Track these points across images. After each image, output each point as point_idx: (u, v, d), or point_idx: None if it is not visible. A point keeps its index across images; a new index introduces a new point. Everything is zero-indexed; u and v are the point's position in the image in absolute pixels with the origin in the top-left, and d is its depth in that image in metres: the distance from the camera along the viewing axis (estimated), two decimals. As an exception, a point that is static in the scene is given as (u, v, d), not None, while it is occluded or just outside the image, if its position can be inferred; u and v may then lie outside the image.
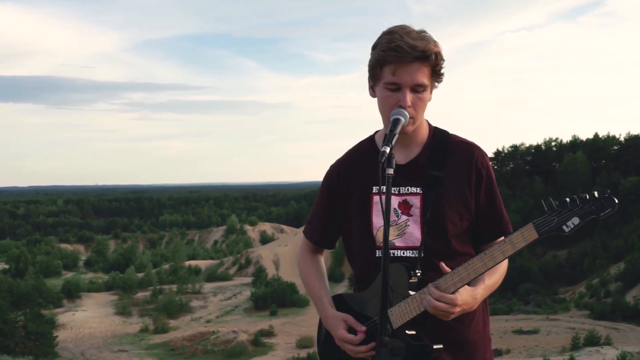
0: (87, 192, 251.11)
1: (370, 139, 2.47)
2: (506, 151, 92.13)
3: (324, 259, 2.71)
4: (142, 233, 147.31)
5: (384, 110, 2.29)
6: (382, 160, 2.07)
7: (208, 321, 65.96)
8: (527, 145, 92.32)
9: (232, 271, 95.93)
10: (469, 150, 2.36)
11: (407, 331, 2.24)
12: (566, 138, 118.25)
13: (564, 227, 1.97)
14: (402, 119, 2.18)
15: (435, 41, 2.26)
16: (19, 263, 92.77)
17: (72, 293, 79.94)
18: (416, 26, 2.25)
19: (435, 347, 2.23)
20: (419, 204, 2.31)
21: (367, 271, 2.38)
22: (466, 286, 2.17)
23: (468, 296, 2.17)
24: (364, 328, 2.33)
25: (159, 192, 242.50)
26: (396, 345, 2.18)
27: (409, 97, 2.22)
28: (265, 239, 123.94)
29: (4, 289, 55.89)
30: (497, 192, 2.38)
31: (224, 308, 72.43)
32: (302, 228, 2.96)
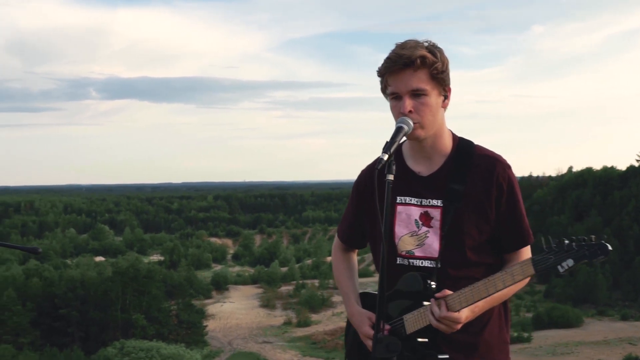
0: (235, 189, 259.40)
1: (397, 147, 2.42)
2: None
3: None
4: (286, 228, 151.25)
5: (394, 119, 2.41)
6: (379, 167, 2.20)
7: (348, 316, 66.80)
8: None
9: (372, 268, 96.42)
10: (491, 164, 2.43)
11: (418, 338, 2.37)
12: None
13: (559, 267, 2.11)
14: (405, 127, 2.30)
15: (429, 48, 2.34)
16: (173, 255, 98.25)
17: (221, 285, 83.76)
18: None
19: (440, 357, 2.36)
20: (439, 216, 2.42)
21: (388, 276, 2.37)
22: None
23: (469, 311, 2.32)
24: (387, 327, 2.41)
25: (302, 188, 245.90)
26: (392, 342, 2.27)
27: (408, 103, 2.33)
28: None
29: (159, 279, 58.96)
30: (519, 205, 2.44)
31: (364, 304, 72.98)
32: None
